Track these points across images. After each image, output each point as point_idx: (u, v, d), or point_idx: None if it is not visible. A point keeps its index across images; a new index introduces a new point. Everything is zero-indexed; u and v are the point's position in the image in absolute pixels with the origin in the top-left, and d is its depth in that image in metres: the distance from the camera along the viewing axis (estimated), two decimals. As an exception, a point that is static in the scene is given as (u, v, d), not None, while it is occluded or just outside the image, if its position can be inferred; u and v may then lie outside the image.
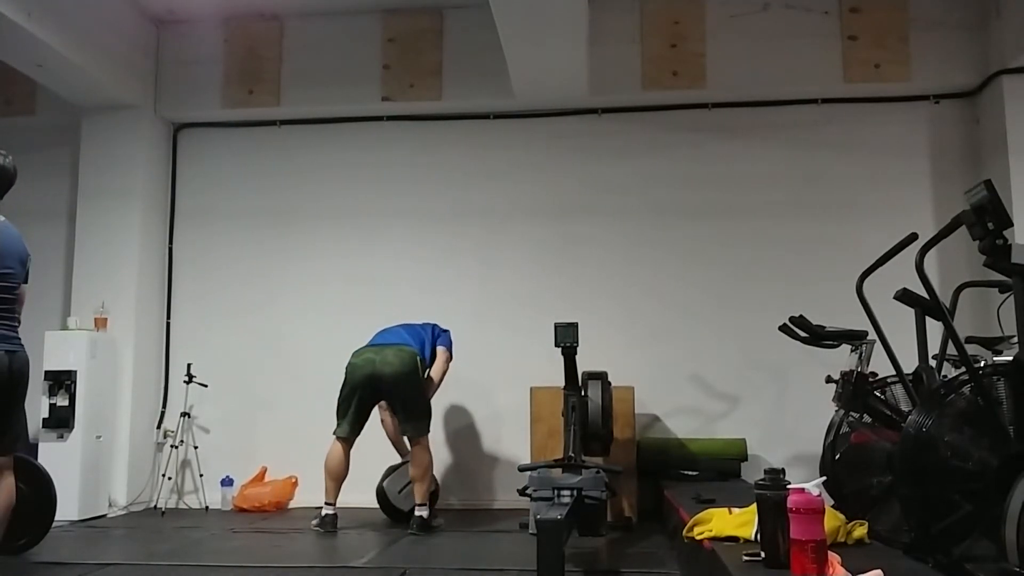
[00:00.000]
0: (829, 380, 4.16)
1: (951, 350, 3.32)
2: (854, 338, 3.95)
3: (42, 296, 5.82)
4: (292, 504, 5.74)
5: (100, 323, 5.66)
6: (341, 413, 4.79)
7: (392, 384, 4.71)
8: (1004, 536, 2.42)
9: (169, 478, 5.77)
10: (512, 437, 5.73)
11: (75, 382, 5.27)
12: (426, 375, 4.93)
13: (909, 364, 3.60)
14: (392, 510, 5.10)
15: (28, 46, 5.00)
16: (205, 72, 6.13)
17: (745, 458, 5.35)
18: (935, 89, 5.70)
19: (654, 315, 5.79)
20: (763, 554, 2.45)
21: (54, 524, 4.19)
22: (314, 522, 4.71)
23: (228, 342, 6.08)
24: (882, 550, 2.84)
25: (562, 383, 4.55)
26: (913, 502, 2.85)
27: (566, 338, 4.34)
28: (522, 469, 4.15)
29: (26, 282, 3.46)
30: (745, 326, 5.63)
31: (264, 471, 5.80)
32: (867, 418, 3.82)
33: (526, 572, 3.43)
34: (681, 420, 5.69)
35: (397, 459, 5.22)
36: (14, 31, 4.79)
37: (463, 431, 5.79)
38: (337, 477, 4.77)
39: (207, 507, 5.72)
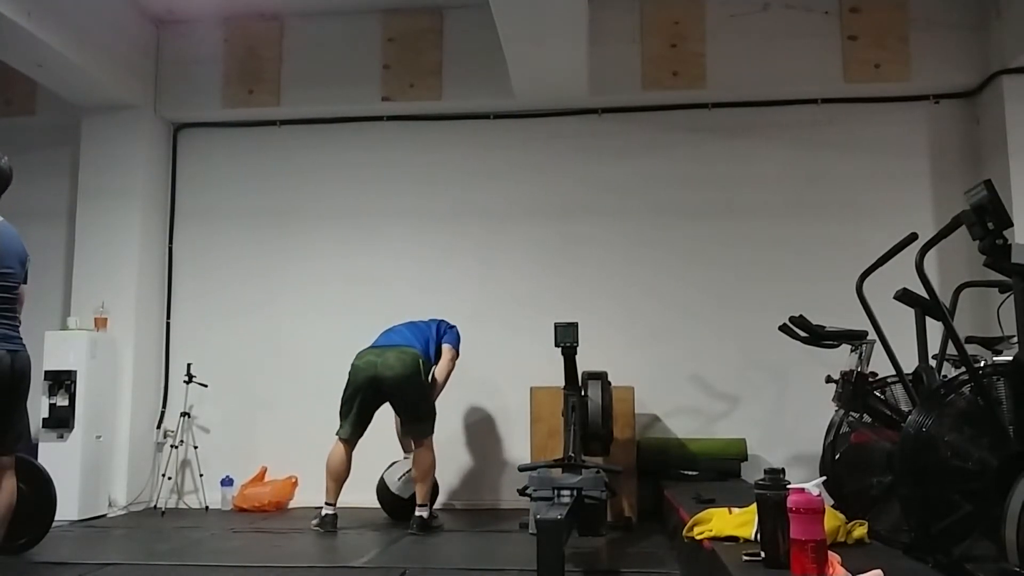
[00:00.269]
0: (829, 380, 4.16)
1: (951, 350, 3.32)
2: (854, 338, 3.95)
3: (42, 296, 5.82)
4: (292, 504, 5.74)
5: (100, 323, 5.66)
6: (343, 414, 4.79)
7: (393, 387, 4.70)
8: (1004, 536, 2.41)
9: (169, 478, 5.77)
10: (512, 437, 5.74)
11: (75, 382, 5.27)
12: (431, 375, 4.92)
13: (909, 364, 3.60)
14: (391, 499, 5.11)
15: (28, 46, 5.00)
16: (205, 72, 6.13)
17: (745, 458, 5.35)
18: (935, 89, 5.70)
19: (654, 315, 5.79)
20: (763, 554, 2.45)
21: (54, 524, 4.19)
22: (314, 522, 4.72)
23: (228, 342, 6.08)
24: (882, 550, 2.84)
25: (562, 383, 4.55)
26: (913, 502, 2.85)
27: (566, 338, 4.34)
28: (522, 469, 4.15)
29: (25, 282, 3.47)
30: (745, 326, 5.63)
31: (264, 471, 5.80)
32: (867, 418, 3.82)
33: (526, 572, 3.43)
34: (681, 420, 5.69)
35: (396, 458, 5.23)
36: (14, 31, 4.78)
37: (463, 431, 5.79)
38: (338, 477, 4.76)
39: (207, 507, 5.72)
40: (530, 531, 3.31)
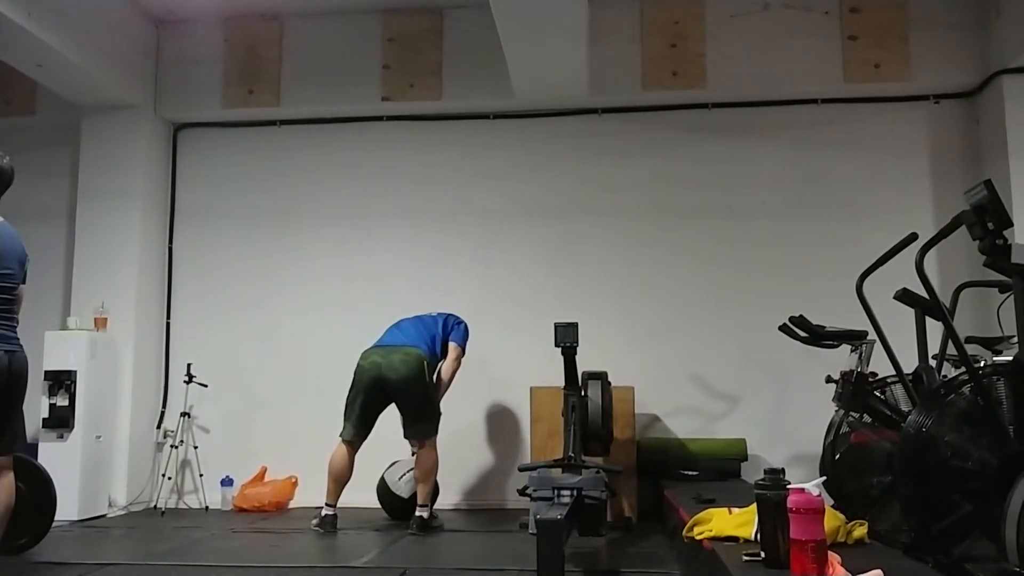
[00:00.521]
0: (829, 380, 4.16)
1: (951, 350, 3.32)
2: (854, 338, 3.95)
3: (42, 296, 5.82)
4: (292, 504, 5.74)
5: (100, 323, 5.66)
6: (347, 415, 4.77)
7: (397, 389, 4.69)
8: (1004, 536, 2.41)
9: (169, 478, 5.77)
10: (512, 437, 5.74)
11: (75, 382, 5.27)
12: (436, 375, 4.90)
13: (909, 364, 3.61)
14: (392, 499, 5.11)
15: (28, 46, 5.00)
16: (205, 72, 6.13)
17: (745, 458, 5.35)
18: (935, 89, 5.70)
19: (654, 315, 5.79)
20: (763, 554, 2.45)
21: (54, 524, 4.19)
22: (314, 522, 4.71)
23: (228, 342, 6.08)
24: (882, 550, 2.85)
25: (562, 383, 4.55)
26: (913, 502, 2.85)
27: (566, 338, 4.34)
28: (522, 469, 4.15)
29: (24, 282, 3.46)
30: (745, 326, 5.63)
31: (264, 471, 5.80)
32: (867, 418, 3.82)
33: (526, 572, 3.43)
34: (681, 420, 5.69)
35: (397, 458, 5.23)
36: (14, 31, 4.78)
37: (463, 431, 5.78)
38: (339, 479, 4.75)
39: (207, 507, 5.72)
40: (530, 531, 3.31)
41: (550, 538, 2.96)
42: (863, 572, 2.22)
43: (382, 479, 5.19)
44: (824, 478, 2.91)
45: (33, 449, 5.14)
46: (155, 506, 5.84)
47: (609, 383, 4.75)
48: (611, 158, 5.96)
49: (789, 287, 5.54)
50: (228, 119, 6.25)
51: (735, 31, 5.74)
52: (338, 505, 4.77)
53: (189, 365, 5.82)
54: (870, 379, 3.81)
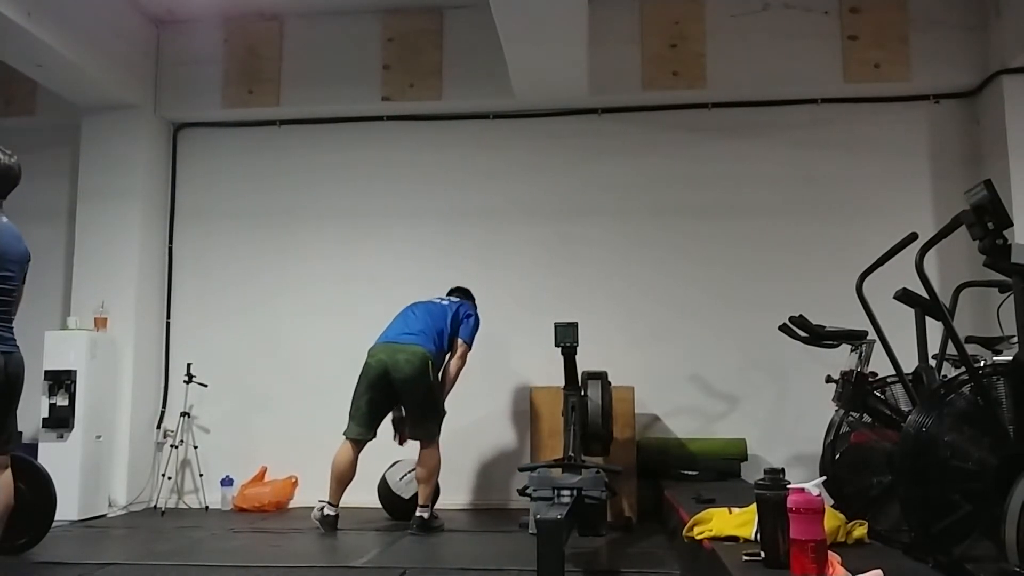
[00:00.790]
0: (829, 380, 4.16)
1: (951, 350, 3.31)
2: (854, 338, 3.95)
3: (42, 296, 5.82)
4: (292, 504, 5.74)
5: (100, 323, 5.66)
6: (352, 413, 4.73)
7: (401, 389, 4.66)
8: (1004, 536, 2.41)
9: (169, 478, 5.77)
10: (512, 437, 5.74)
11: (75, 382, 5.26)
12: (441, 371, 4.86)
13: (909, 364, 3.60)
14: (392, 499, 5.10)
15: (28, 46, 5.00)
16: (205, 72, 6.13)
17: (745, 458, 5.35)
18: (935, 89, 5.70)
19: (654, 315, 5.79)
20: (763, 554, 2.45)
21: (54, 524, 4.18)
22: (315, 514, 4.65)
23: (228, 342, 6.08)
24: (882, 550, 2.85)
25: (562, 383, 4.55)
26: (913, 502, 2.84)
27: (566, 338, 4.34)
28: (522, 469, 4.15)
29: (23, 283, 3.46)
30: (745, 326, 5.63)
31: (264, 471, 5.80)
32: (867, 418, 3.82)
33: (526, 572, 3.43)
34: (681, 420, 5.69)
35: (398, 458, 5.23)
36: (14, 31, 4.78)
37: (463, 431, 5.77)
38: (342, 479, 4.69)
39: (207, 507, 5.72)
40: (530, 531, 3.31)
41: (550, 538, 2.96)
42: (863, 572, 2.22)
43: (383, 479, 5.19)
44: (824, 478, 2.92)
45: (33, 449, 5.14)
46: (155, 506, 5.84)
47: (609, 383, 4.75)
48: (611, 158, 5.96)
49: (789, 287, 5.54)
50: (228, 119, 6.25)
51: (735, 31, 5.74)
52: (340, 506, 4.75)
53: (189, 365, 5.82)
54: (870, 379, 3.80)
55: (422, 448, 4.76)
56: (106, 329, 5.68)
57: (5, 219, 3.34)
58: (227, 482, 5.74)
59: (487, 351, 5.63)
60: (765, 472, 2.47)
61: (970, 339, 3.98)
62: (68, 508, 4.94)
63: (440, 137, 6.14)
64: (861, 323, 3.72)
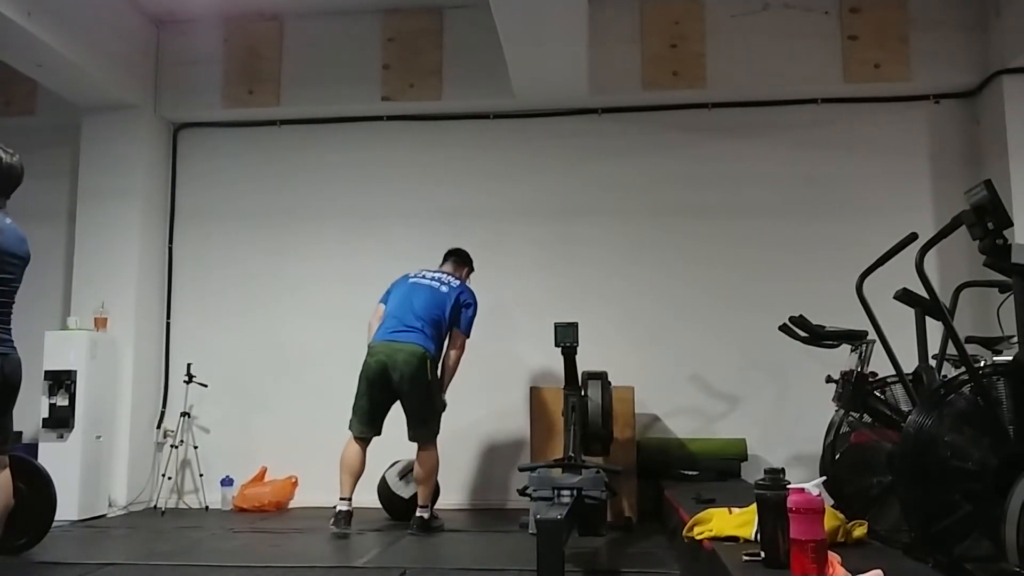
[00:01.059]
0: (829, 380, 4.16)
1: (951, 350, 3.31)
2: (854, 338, 3.95)
3: (42, 296, 5.83)
4: (292, 504, 5.74)
5: (100, 323, 5.66)
6: (355, 411, 4.71)
7: (401, 389, 4.65)
8: (1004, 536, 2.41)
9: (169, 478, 5.77)
10: (512, 437, 5.74)
11: (75, 382, 5.26)
12: (440, 363, 4.82)
13: (909, 364, 3.60)
14: (392, 499, 5.10)
15: (28, 46, 5.00)
16: (205, 72, 6.13)
17: (745, 458, 5.35)
18: (935, 89, 5.70)
19: (654, 315, 5.79)
20: (763, 554, 2.45)
21: (54, 524, 4.19)
22: (331, 523, 4.55)
23: (228, 342, 6.08)
24: (882, 550, 2.85)
25: (562, 383, 4.55)
26: (913, 502, 2.84)
27: (566, 338, 4.34)
28: (522, 469, 4.15)
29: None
30: (745, 326, 5.63)
31: (264, 471, 5.80)
32: (867, 418, 3.82)
33: (526, 572, 3.42)
34: (681, 420, 5.69)
35: (398, 457, 5.23)
36: (14, 31, 4.78)
37: (463, 431, 5.78)
38: (353, 471, 4.63)
39: (207, 507, 5.72)
40: (530, 531, 3.31)
41: (550, 538, 2.96)
42: (863, 572, 2.22)
43: (383, 479, 5.19)
44: (824, 478, 2.92)
45: (33, 449, 5.14)
46: (155, 506, 5.84)
47: (609, 383, 4.75)
48: (611, 158, 5.96)
49: (789, 287, 5.54)
50: (228, 119, 6.26)
51: (735, 31, 5.74)
52: (352, 498, 4.65)
53: (189, 365, 5.82)
54: (870, 379, 3.80)
55: (420, 448, 4.76)
56: (106, 329, 5.68)
57: (9, 220, 3.33)
58: (227, 482, 5.74)
59: (487, 351, 5.63)
60: (765, 472, 2.47)
61: (970, 339, 3.98)
62: (68, 508, 4.94)
63: (440, 137, 6.14)
64: (861, 323, 3.72)
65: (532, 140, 6.04)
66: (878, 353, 3.68)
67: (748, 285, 5.73)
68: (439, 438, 4.83)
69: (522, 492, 3.85)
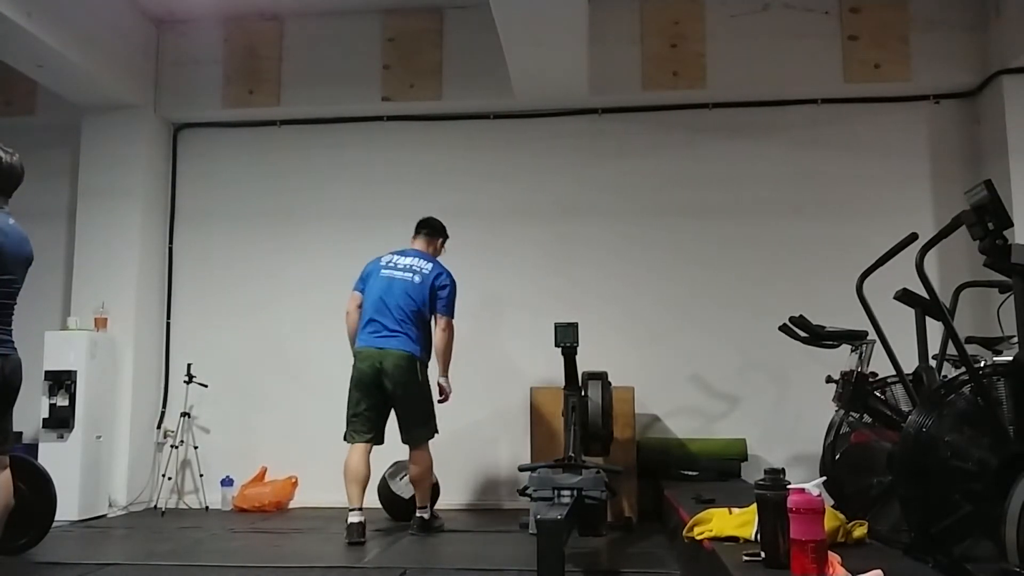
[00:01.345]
0: (829, 380, 4.16)
1: (951, 350, 3.32)
2: (854, 338, 3.95)
3: (42, 296, 5.82)
4: (292, 504, 5.75)
5: (100, 323, 5.66)
6: (349, 420, 4.62)
7: (392, 392, 4.59)
8: (1004, 536, 2.41)
9: (169, 478, 5.77)
10: (512, 437, 5.73)
11: (75, 382, 5.26)
12: (432, 349, 4.73)
13: (909, 364, 3.60)
14: (392, 499, 5.09)
15: (28, 46, 5.00)
16: (205, 72, 6.13)
17: (745, 458, 5.35)
18: (935, 89, 5.70)
19: (654, 315, 5.79)
20: (763, 554, 2.45)
21: (54, 524, 4.18)
22: (345, 536, 4.41)
23: (228, 342, 6.08)
24: (882, 550, 2.85)
25: (562, 383, 4.55)
26: (913, 502, 2.85)
27: (566, 338, 4.34)
28: (522, 469, 4.15)
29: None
30: (745, 326, 5.63)
31: (264, 471, 5.80)
32: (867, 418, 3.82)
33: (526, 572, 3.43)
34: (681, 420, 5.69)
35: (398, 458, 5.23)
36: (14, 31, 4.79)
37: (463, 431, 5.77)
38: (359, 480, 4.51)
39: (207, 507, 5.72)
40: (530, 531, 3.31)
41: (550, 538, 2.96)
42: (863, 572, 2.22)
43: (383, 479, 5.19)
44: (824, 478, 2.91)
45: (33, 449, 5.15)
46: (155, 506, 5.84)
47: (609, 383, 4.75)
48: (611, 158, 5.96)
49: (789, 287, 5.54)
50: (228, 119, 6.25)
51: (735, 31, 5.74)
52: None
53: (189, 365, 5.82)
54: (870, 379, 3.81)
55: (412, 449, 4.67)
56: (106, 329, 5.68)
57: (12, 220, 3.33)
58: (227, 482, 5.75)
59: (487, 351, 5.64)
60: (765, 472, 2.47)
61: (970, 339, 3.98)
62: (68, 508, 4.94)
63: (440, 137, 6.14)
64: (861, 323, 3.72)
65: (532, 140, 6.04)
66: (878, 353, 3.69)
67: (748, 285, 5.73)
68: (440, 437, 4.82)
69: (522, 492, 3.85)
